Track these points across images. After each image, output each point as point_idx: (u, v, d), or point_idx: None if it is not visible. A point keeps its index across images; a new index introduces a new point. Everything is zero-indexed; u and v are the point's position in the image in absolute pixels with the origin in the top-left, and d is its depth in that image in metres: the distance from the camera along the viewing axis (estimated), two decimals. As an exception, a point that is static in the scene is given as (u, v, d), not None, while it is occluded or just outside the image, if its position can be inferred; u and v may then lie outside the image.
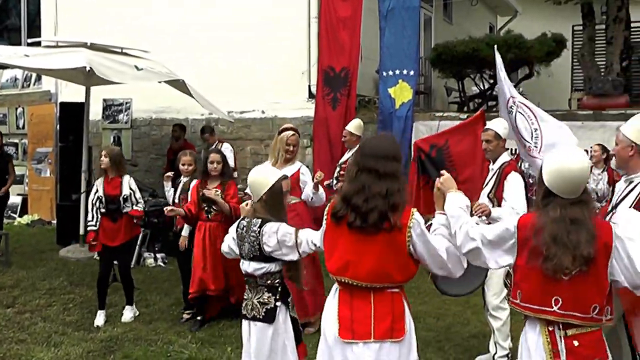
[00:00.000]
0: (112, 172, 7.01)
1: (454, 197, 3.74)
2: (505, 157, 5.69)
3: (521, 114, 7.40)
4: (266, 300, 4.23)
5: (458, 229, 3.59)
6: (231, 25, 11.76)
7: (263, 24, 11.47)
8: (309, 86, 11.31)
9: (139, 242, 8.93)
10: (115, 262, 7.15)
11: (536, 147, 7.59)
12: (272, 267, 4.22)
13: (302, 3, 11.30)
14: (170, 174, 7.57)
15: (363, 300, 3.57)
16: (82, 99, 10.30)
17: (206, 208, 6.75)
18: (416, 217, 3.53)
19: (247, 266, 4.28)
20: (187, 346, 6.21)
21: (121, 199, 6.91)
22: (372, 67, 11.29)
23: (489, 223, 5.50)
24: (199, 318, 6.86)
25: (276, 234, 4.13)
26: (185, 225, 7.05)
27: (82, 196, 9.73)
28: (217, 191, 6.69)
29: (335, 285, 3.74)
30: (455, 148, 8.34)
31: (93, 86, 10.12)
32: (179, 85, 9.34)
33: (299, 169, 6.65)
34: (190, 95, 9.39)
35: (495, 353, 5.70)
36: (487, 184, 5.76)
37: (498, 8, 19.27)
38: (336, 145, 9.84)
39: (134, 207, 6.98)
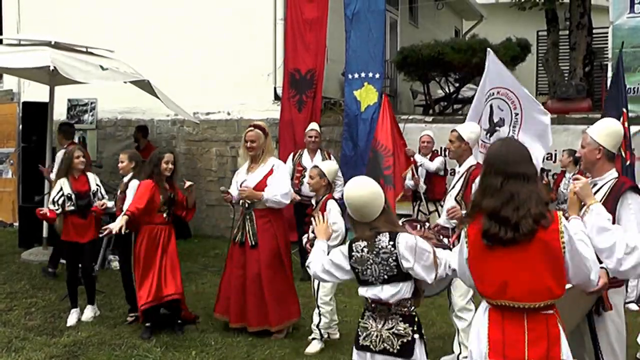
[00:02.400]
0: (78, 171, 7.07)
1: (600, 209, 3.71)
2: (472, 160, 5.76)
3: (503, 100, 7.54)
4: (402, 332, 3.77)
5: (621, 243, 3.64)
6: (196, 26, 11.72)
7: (229, 26, 11.45)
8: (275, 88, 11.30)
9: (103, 245, 8.81)
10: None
11: (515, 126, 7.72)
12: (407, 289, 3.78)
13: (268, 5, 11.29)
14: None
15: (516, 323, 3.30)
16: (45, 99, 10.15)
17: (167, 210, 6.65)
18: (564, 221, 3.30)
19: (380, 292, 3.78)
20: (152, 350, 6.17)
21: (91, 193, 7.05)
22: (337, 69, 11.31)
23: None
24: (179, 322, 6.77)
25: (414, 248, 3.71)
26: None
27: (45, 198, 9.58)
28: (171, 193, 6.65)
29: (485, 304, 3.48)
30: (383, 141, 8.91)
31: (57, 86, 9.98)
32: (145, 85, 9.26)
33: (272, 167, 6.52)
34: (156, 96, 9.31)
35: (460, 353, 5.74)
36: (453, 187, 5.81)
37: (463, 12, 19.44)
38: (301, 147, 9.83)
39: (103, 201, 7.07)
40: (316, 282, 6.08)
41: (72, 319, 6.96)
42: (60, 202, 6.89)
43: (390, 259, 3.72)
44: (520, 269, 3.25)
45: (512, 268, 3.27)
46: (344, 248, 3.91)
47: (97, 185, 7.16)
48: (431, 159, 9.11)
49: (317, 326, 6.20)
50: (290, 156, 9.17)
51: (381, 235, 3.75)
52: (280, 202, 6.44)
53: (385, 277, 3.75)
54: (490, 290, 3.35)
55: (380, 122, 9.19)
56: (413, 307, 3.81)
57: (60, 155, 8.70)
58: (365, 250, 3.78)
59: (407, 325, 3.76)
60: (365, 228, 3.81)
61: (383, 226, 3.78)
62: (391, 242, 3.72)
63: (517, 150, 3.45)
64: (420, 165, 8.97)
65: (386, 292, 3.76)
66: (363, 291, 3.86)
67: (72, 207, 6.90)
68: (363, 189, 3.82)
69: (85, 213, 6.98)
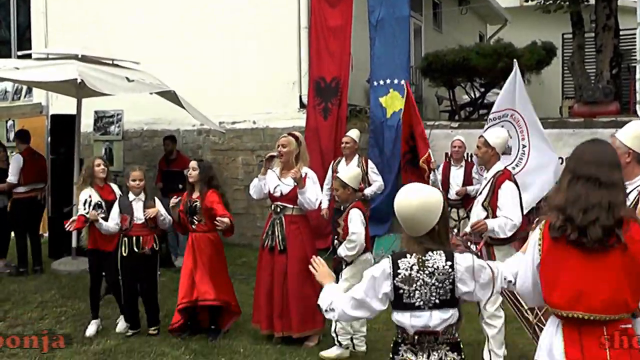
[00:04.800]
0: (102, 180, 7.17)
1: None
2: (498, 166, 5.71)
3: (514, 126, 7.49)
4: None
5: None
6: (222, 36, 11.79)
7: (253, 35, 11.49)
8: (300, 96, 11.32)
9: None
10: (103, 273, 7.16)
11: (519, 164, 7.69)
12: (456, 314, 3.32)
13: (292, 13, 11.32)
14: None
15: (595, 339, 3.02)
16: (73, 111, 10.26)
17: (189, 219, 6.74)
18: None
19: (427, 318, 3.29)
20: (181, 358, 6.20)
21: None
22: (362, 76, 11.31)
23: (489, 238, 5.52)
24: (212, 327, 6.83)
25: (472, 269, 3.29)
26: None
27: (74, 209, 9.67)
28: (195, 202, 6.70)
29: (555, 319, 3.19)
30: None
31: (84, 98, 10.10)
32: (170, 96, 9.34)
33: (305, 174, 6.49)
34: (182, 106, 9.39)
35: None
36: (480, 193, 5.78)
37: (488, 17, 19.36)
38: (328, 155, 9.85)
39: None
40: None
41: (90, 330, 6.97)
42: (93, 209, 6.93)
43: (446, 282, 3.26)
44: (598, 278, 3.02)
45: (589, 276, 3.03)
46: (386, 264, 3.34)
47: (120, 194, 7.18)
48: (466, 168, 9.03)
49: (335, 331, 6.19)
50: (332, 164, 9.16)
51: (434, 253, 3.29)
52: (310, 202, 6.44)
53: (437, 301, 3.26)
54: (562, 300, 3.08)
55: (408, 115, 9.26)
56: (457, 333, 3.39)
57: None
58: (415, 268, 3.27)
59: (455, 354, 3.35)
60: (413, 242, 3.34)
61: (432, 244, 3.30)
62: (449, 263, 3.26)
63: (598, 152, 3.24)
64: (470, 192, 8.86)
65: (435, 318, 3.28)
66: (403, 318, 3.32)
67: (103, 215, 6.84)
68: (413, 197, 3.32)
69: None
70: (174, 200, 6.78)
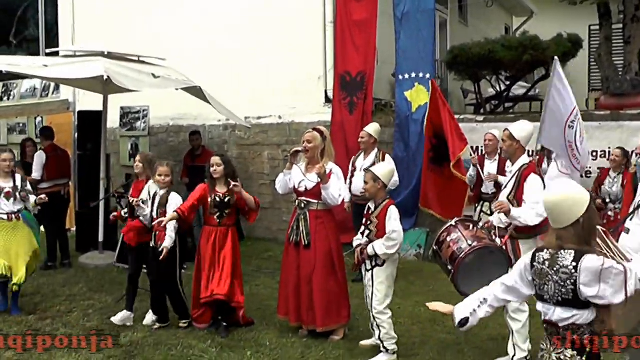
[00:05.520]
0: (142, 175, 7.37)
1: None
2: (524, 159, 5.67)
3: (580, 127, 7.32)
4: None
5: None
6: (247, 31, 11.81)
7: (278, 30, 11.51)
8: (326, 91, 11.32)
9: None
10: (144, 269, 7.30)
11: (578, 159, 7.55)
12: (584, 315, 3.36)
13: (317, 8, 11.31)
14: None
15: None
16: (99, 108, 10.37)
17: (218, 213, 6.74)
18: None
19: (550, 312, 3.43)
20: (207, 350, 6.24)
21: (141, 201, 7.11)
22: (388, 70, 11.29)
23: (509, 222, 5.50)
24: (224, 324, 6.82)
25: (599, 273, 3.25)
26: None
27: (101, 203, 9.79)
28: (227, 196, 6.72)
29: None
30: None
31: (110, 94, 10.19)
32: (196, 92, 9.39)
33: (330, 171, 6.47)
34: (207, 101, 9.44)
35: (514, 355, 5.67)
36: (506, 186, 5.75)
37: (513, 9, 19.21)
38: (353, 149, 9.83)
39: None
40: (369, 290, 5.99)
41: (117, 318, 7.16)
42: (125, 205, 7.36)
43: (568, 282, 3.32)
44: None
45: None
46: (527, 258, 3.56)
47: (149, 194, 7.18)
48: (500, 161, 8.97)
49: (380, 338, 6.02)
50: (352, 158, 9.17)
51: (565, 252, 3.36)
52: (334, 198, 6.43)
53: (559, 299, 3.37)
54: None
55: (436, 109, 9.28)
56: (588, 335, 3.38)
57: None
58: (547, 264, 3.41)
59: (574, 353, 3.38)
60: (553, 236, 3.45)
61: (570, 240, 3.37)
62: (573, 264, 3.30)
63: None
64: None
65: (557, 314, 3.41)
66: (539, 306, 3.53)
67: (125, 210, 7.24)
68: (558, 192, 3.44)
69: (135, 219, 7.13)
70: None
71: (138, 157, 7.51)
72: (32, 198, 7.36)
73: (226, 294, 6.64)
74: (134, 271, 7.27)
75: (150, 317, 7.17)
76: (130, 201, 7.07)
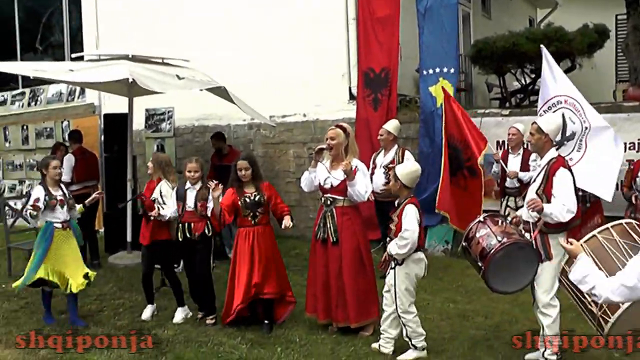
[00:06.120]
0: (154, 176, 7.51)
1: None
2: (553, 153, 5.60)
3: (572, 112, 7.34)
4: None
5: None
6: (269, 30, 11.83)
7: (301, 28, 11.52)
8: (350, 88, 11.30)
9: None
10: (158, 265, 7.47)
11: (580, 148, 7.52)
12: None
13: (339, 5, 11.28)
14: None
15: None
16: (125, 110, 10.46)
17: (251, 213, 6.76)
18: None
19: None
20: (237, 347, 6.28)
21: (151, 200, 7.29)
22: (412, 66, 11.25)
23: (539, 219, 5.45)
24: (266, 322, 6.87)
25: None
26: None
27: (128, 204, 9.87)
28: (256, 195, 6.76)
29: None
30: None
31: (135, 97, 10.28)
32: (220, 92, 9.43)
33: (355, 168, 6.45)
34: (232, 101, 9.48)
35: (545, 350, 5.61)
36: (534, 180, 5.70)
37: (537, 1, 19.06)
38: (378, 146, 9.81)
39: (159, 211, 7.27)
40: (392, 289, 5.97)
41: (146, 314, 7.39)
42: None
43: None
44: None
45: None
46: None
47: (160, 192, 7.32)
48: (524, 155, 8.91)
49: (407, 336, 5.99)
50: (372, 156, 9.18)
51: None
52: (360, 194, 6.42)
53: None
54: None
55: (451, 117, 9.22)
56: None
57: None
58: None
59: None
60: None
61: None
62: None
63: None
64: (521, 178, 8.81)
65: None
66: None
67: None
68: None
69: (148, 218, 7.25)
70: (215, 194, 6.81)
71: (151, 159, 7.71)
72: (77, 207, 7.35)
73: (277, 292, 6.79)
74: (148, 269, 7.39)
75: (180, 315, 7.27)
76: (144, 199, 7.23)
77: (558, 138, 7.25)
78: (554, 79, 7.50)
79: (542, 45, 7.42)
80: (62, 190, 7.20)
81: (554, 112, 7.69)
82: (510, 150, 9.10)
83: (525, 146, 8.95)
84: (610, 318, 4.52)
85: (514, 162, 8.95)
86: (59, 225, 7.02)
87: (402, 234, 5.74)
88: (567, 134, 7.37)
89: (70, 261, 7.06)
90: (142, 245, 7.40)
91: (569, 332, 5.80)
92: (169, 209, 7.16)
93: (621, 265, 4.38)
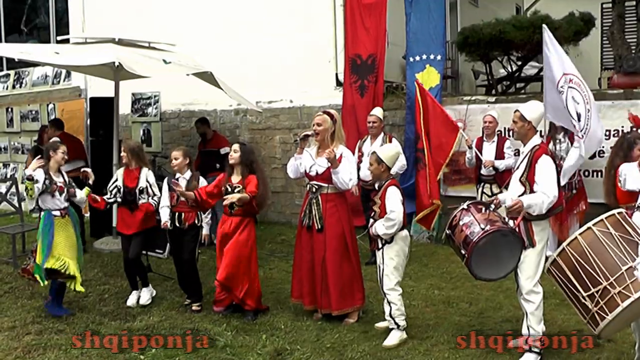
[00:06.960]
0: (132, 164, 7.36)
1: None
2: (536, 140, 5.62)
3: (577, 91, 7.35)
4: None
5: None
6: (256, 15, 11.80)
7: (288, 13, 11.49)
8: (336, 74, 11.30)
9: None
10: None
11: (584, 130, 7.53)
12: None
13: (327, -9, 11.26)
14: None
15: None
16: (111, 94, 10.40)
17: (230, 203, 6.73)
18: None
19: None
20: (223, 334, 6.30)
21: (137, 190, 7.26)
22: (398, 53, 11.25)
23: (526, 213, 5.46)
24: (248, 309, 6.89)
25: None
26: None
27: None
28: (237, 187, 6.71)
29: None
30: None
31: (122, 81, 10.22)
32: (207, 77, 9.40)
33: (340, 155, 6.46)
34: (219, 87, 9.45)
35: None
36: (517, 168, 5.72)
37: (524, -11, 19.06)
38: (364, 132, 9.81)
39: (149, 201, 7.29)
40: (380, 269, 6.07)
41: (131, 300, 7.40)
42: (113, 192, 7.34)
43: None
44: None
45: None
46: None
47: (148, 182, 7.30)
48: (499, 143, 9.00)
49: (390, 315, 6.05)
50: (358, 143, 9.20)
51: None
52: (344, 182, 6.42)
53: None
54: None
55: (424, 108, 9.29)
56: None
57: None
58: None
59: None
60: None
61: None
62: None
63: None
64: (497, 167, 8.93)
65: None
66: None
67: (119, 200, 7.34)
68: None
69: (132, 208, 7.25)
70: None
71: (122, 147, 7.60)
72: (79, 193, 7.12)
73: (222, 280, 6.73)
74: (135, 255, 7.32)
75: (145, 295, 7.40)
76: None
77: (575, 117, 7.32)
78: (558, 58, 7.47)
79: (544, 25, 7.40)
80: (63, 177, 7.06)
81: (563, 94, 7.54)
82: (485, 138, 9.17)
83: (504, 134, 9.08)
84: (607, 315, 4.44)
85: (488, 150, 9.04)
86: (57, 214, 6.86)
87: (388, 215, 5.85)
88: (573, 115, 7.35)
89: (68, 247, 6.91)
90: (124, 234, 7.36)
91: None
92: (165, 200, 7.19)
93: (618, 259, 4.44)
